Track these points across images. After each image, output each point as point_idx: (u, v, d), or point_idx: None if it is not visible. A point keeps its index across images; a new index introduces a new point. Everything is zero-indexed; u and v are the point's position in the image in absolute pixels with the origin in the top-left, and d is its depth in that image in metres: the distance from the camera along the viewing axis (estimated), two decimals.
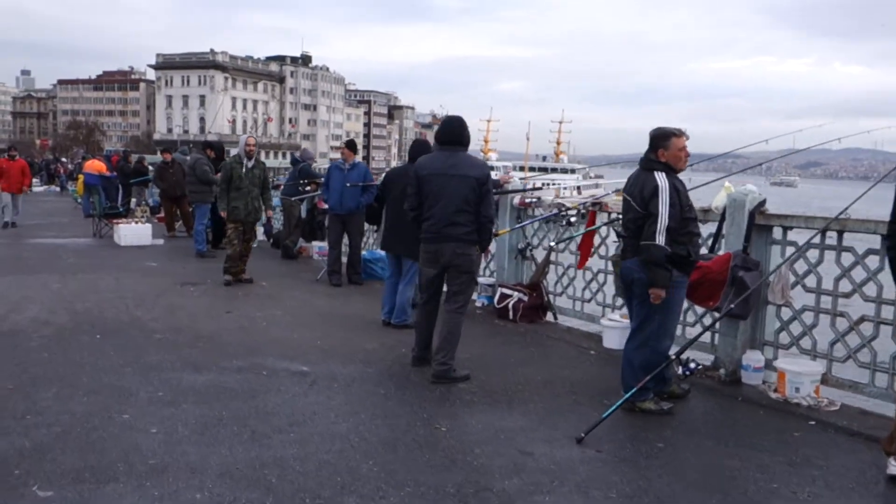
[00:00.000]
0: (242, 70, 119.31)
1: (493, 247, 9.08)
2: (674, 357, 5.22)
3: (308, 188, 12.74)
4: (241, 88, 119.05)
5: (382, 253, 10.49)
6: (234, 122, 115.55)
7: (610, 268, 7.61)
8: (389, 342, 6.99)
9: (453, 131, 5.81)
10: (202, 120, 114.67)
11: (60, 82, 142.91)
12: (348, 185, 9.68)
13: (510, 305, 8.10)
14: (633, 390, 4.95)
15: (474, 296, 9.12)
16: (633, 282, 5.03)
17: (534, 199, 8.61)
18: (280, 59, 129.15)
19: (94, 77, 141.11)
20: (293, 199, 12.67)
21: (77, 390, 5.27)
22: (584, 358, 6.75)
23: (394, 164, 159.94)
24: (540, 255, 8.42)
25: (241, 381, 5.61)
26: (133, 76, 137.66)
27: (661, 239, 4.75)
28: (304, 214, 12.93)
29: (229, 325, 7.53)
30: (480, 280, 8.97)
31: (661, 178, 4.84)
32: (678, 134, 4.97)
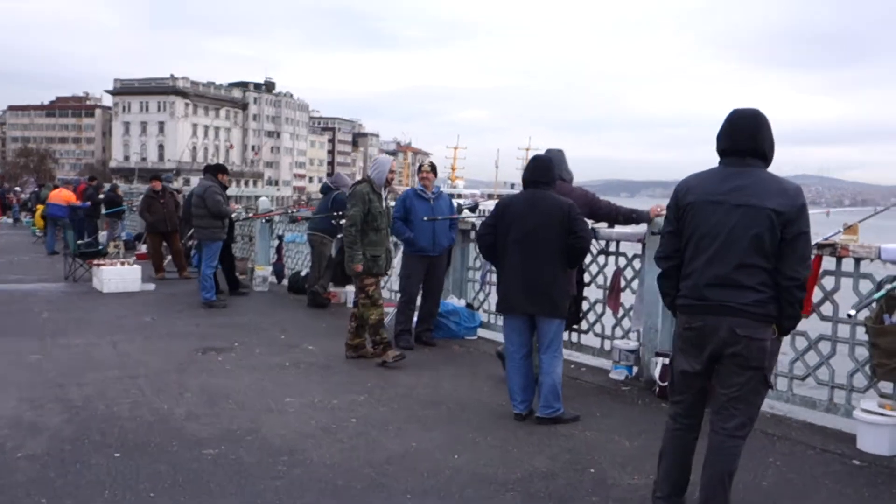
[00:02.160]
0: (204, 96, 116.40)
1: (628, 297, 6.89)
2: None
3: (343, 222, 10.40)
4: (203, 115, 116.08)
5: (453, 304, 8.27)
6: (194, 149, 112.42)
7: (842, 334, 5.44)
8: (562, 455, 4.69)
9: (750, 131, 3.58)
10: (161, 147, 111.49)
11: (10, 108, 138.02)
12: (440, 217, 7.46)
13: None
14: None
15: (607, 363, 6.91)
16: None
17: None
18: (243, 86, 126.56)
19: (46, 103, 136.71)
20: (322, 234, 10.33)
21: None
22: (856, 475, 4.52)
23: None
24: None
25: None
26: (88, 102, 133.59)
27: None
28: (334, 253, 10.59)
29: (307, 427, 5.16)
30: (618, 344, 6.74)
31: None
32: None
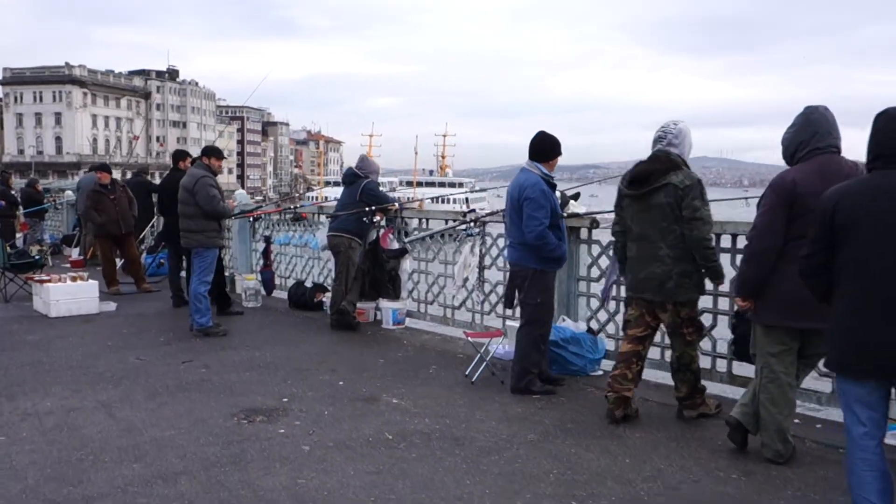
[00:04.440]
0: (103, 85, 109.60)
1: None
2: None
3: (375, 219, 8.13)
4: (103, 105, 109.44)
5: (570, 328, 6.17)
6: (95, 140, 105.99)
7: None
8: None
9: None
10: (59, 139, 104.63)
11: None
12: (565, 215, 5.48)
13: None
14: None
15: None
16: None
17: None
18: (145, 74, 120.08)
19: None
20: (347, 236, 8.01)
21: None
22: None
23: (270, 182, 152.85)
24: None
25: None
26: None
27: None
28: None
29: None
30: None
31: None
32: None
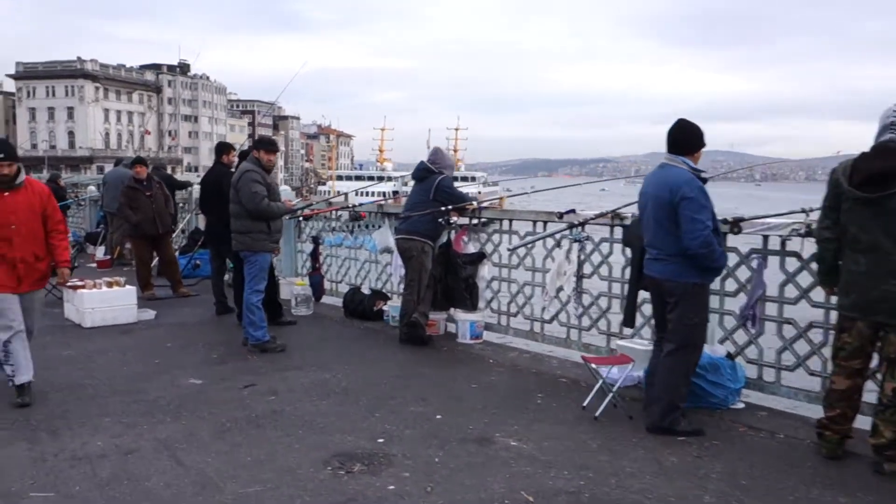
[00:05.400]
0: (115, 79, 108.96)
1: None
2: None
3: (452, 220, 7.22)
4: (115, 99, 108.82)
5: (707, 352, 5.25)
6: (107, 135, 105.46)
7: None
8: None
9: None
10: (71, 134, 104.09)
11: None
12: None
13: None
14: None
15: None
16: None
17: None
18: (156, 68, 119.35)
19: None
20: (419, 239, 7.09)
21: None
22: None
23: (281, 176, 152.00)
24: None
25: None
26: None
27: None
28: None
29: None
30: None
31: None
32: None
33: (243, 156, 7.81)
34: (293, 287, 8.86)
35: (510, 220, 7.19)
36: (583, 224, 6.11)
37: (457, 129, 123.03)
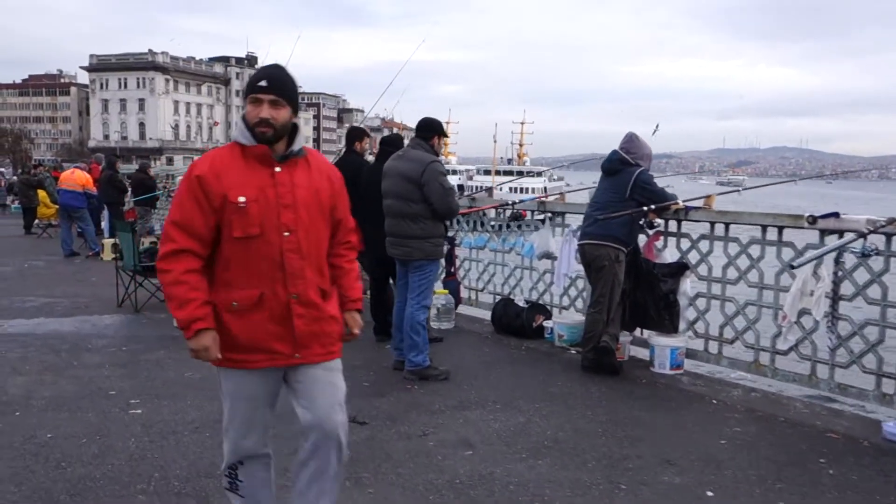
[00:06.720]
0: (185, 71, 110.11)
1: None
2: None
3: (657, 223, 5.92)
4: (184, 91, 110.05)
5: None
6: (176, 126, 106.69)
7: None
8: None
9: None
10: (142, 125, 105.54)
11: None
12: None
13: None
14: None
15: None
16: None
17: None
18: (224, 60, 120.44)
19: (19, 81, 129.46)
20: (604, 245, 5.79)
21: None
22: None
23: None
24: None
25: None
26: (62, 80, 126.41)
27: None
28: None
29: None
30: None
31: None
32: None
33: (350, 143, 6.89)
34: (436, 296, 7.64)
35: (726, 224, 5.82)
36: (866, 235, 4.72)
37: (522, 123, 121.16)
